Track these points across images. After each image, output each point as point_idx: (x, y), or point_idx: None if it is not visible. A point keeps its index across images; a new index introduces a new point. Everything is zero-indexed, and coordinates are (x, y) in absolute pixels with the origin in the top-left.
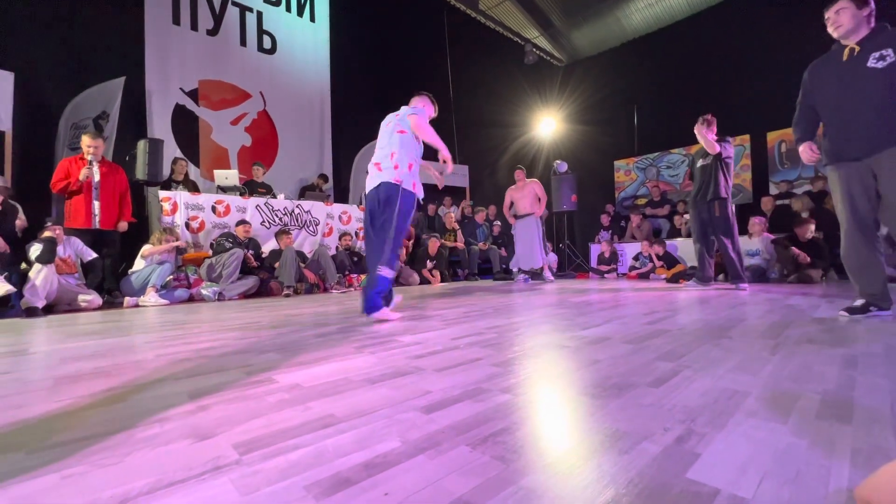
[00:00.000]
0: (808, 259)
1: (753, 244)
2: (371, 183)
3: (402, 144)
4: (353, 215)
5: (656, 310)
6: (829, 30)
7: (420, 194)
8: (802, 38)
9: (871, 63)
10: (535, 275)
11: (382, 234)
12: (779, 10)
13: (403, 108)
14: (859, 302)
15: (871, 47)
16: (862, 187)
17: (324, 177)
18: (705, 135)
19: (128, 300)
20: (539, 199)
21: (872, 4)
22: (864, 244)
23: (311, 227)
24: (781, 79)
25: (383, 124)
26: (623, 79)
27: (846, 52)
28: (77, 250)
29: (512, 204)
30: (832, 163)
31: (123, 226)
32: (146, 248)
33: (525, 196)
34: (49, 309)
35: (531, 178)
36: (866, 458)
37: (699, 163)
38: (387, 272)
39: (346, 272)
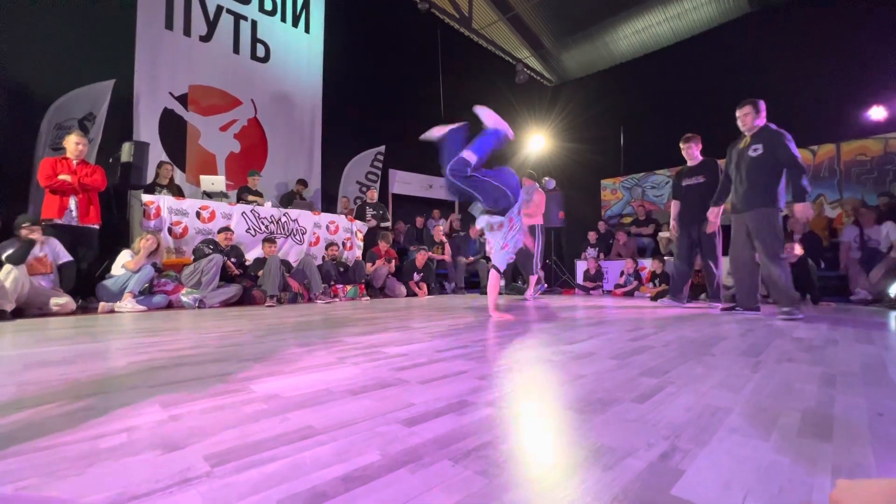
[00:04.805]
0: None
1: None
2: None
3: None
4: (340, 225)
5: (640, 326)
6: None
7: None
8: (779, 66)
9: (749, 152)
10: (516, 289)
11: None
12: (757, 40)
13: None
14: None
15: (753, 141)
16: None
17: (303, 182)
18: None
19: (103, 305)
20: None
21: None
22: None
23: (297, 236)
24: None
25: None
26: (610, 100)
27: (743, 141)
28: (53, 250)
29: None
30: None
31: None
32: (128, 261)
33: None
34: (18, 312)
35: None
36: (847, 475)
37: (684, 182)
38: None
39: (332, 282)
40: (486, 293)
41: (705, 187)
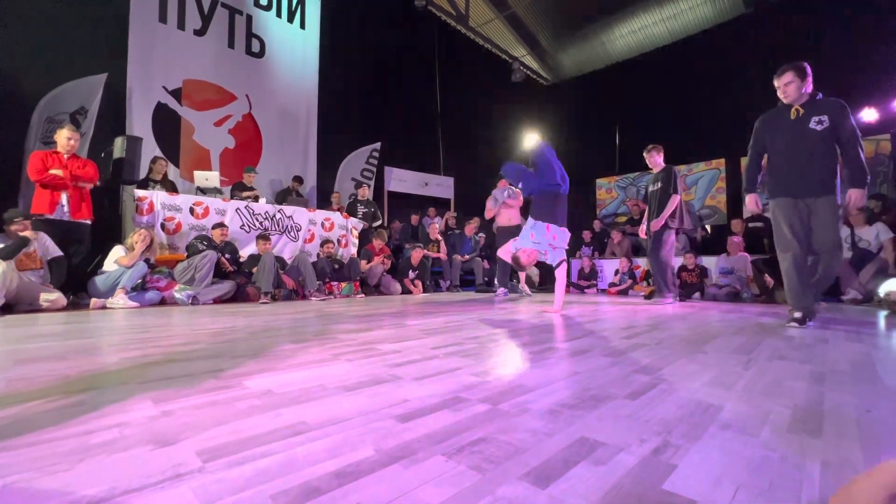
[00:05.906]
0: (772, 283)
1: (730, 263)
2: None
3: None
4: (335, 222)
5: (634, 324)
6: (779, 95)
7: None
8: (773, 67)
9: (812, 125)
10: (513, 288)
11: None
12: (751, 41)
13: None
14: (798, 314)
15: (812, 112)
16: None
17: (298, 178)
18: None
19: (94, 301)
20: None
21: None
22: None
23: (292, 233)
24: (755, 105)
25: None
26: (606, 100)
27: (792, 112)
28: (43, 246)
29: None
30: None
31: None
32: (122, 257)
33: (516, 207)
34: (8, 308)
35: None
36: (836, 470)
37: (649, 188)
38: None
39: (327, 279)
40: (481, 291)
41: (661, 193)
